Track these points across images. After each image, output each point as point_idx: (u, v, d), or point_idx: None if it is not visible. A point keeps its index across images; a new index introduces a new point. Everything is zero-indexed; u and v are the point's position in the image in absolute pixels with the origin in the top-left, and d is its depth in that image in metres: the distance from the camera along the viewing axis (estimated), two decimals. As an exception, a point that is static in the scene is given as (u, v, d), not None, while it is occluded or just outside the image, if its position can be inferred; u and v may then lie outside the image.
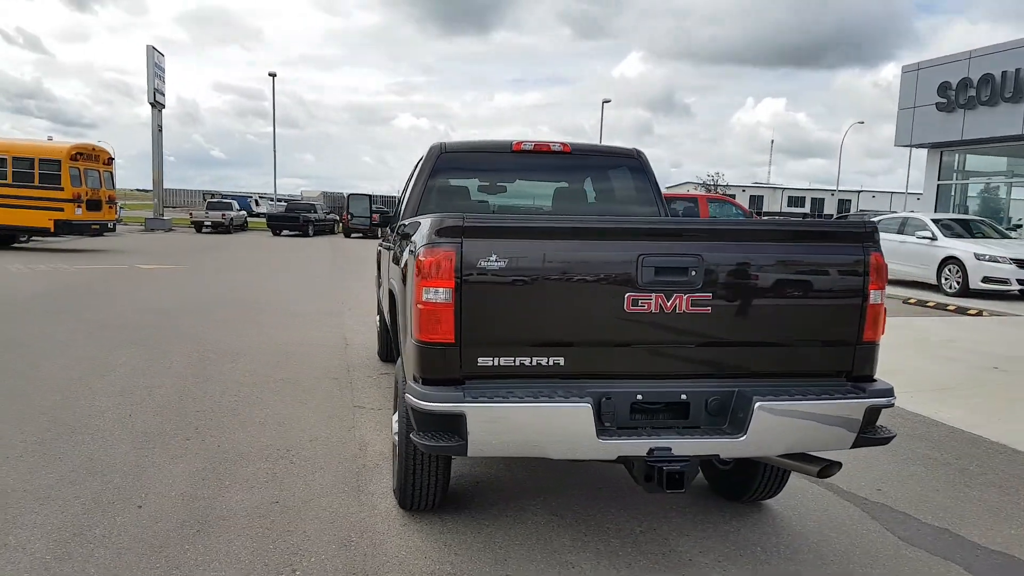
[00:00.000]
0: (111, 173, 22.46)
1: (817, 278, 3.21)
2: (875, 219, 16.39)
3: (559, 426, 2.98)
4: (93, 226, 21.35)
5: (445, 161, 5.14)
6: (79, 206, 20.37)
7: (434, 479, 3.65)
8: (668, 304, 3.04)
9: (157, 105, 37.53)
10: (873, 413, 3.18)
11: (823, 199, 79.72)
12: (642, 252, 3.03)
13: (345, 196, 42.25)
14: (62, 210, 20.00)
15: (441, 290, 2.94)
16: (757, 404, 3.04)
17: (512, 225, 3.06)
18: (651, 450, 3.03)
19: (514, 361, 3.05)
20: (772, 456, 3.29)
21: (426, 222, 3.08)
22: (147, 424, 5.14)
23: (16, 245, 21.66)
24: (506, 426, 2.97)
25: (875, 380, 3.31)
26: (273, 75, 45.53)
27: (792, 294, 3.19)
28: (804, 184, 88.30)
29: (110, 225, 22.23)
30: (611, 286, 3.03)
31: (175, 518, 3.67)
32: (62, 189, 20.05)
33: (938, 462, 4.89)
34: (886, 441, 3.26)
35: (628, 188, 5.37)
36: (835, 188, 68.91)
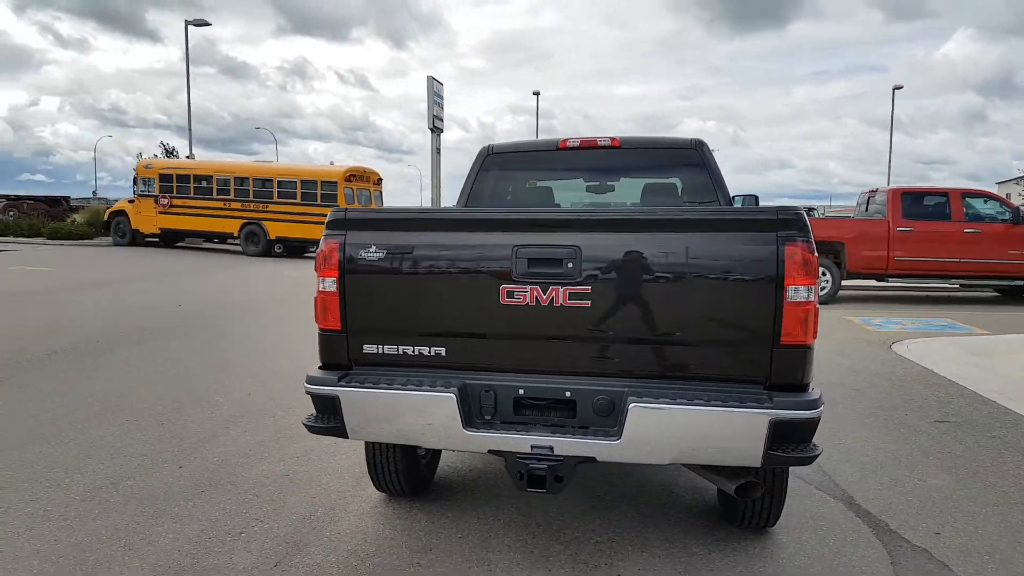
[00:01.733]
0: (380, 192, 25.23)
1: (719, 272, 2.85)
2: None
3: (424, 415, 3.01)
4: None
5: (492, 162, 5.22)
6: (352, 221, 23.19)
7: (394, 465, 3.81)
8: (544, 297, 2.94)
9: (436, 130, 40.72)
10: (785, 427, 2.78)
11: None
12: (516, 243, 2.96)
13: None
14: (338, 225, 22.88)
15: (329, 280, 3.13)
16: (631, 406, 2.82)
17: (390, 217, 3.18)
18: (532, 447, 2.95)
19: (397, 350, 3.14)
20: (673, 464, 3.01)
21: None
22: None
23: (306, 255, 25.15)
24: (374, 412, 3.07)
25: (806, 390, 2.88)
26: (537, 93, 48.60)
27: (689, 289, 2.88)
28: None
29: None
30: (487, 278, 3.00)
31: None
32: (338, 206, 22.94)
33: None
34: (808, 461, 2.83)
35: (683, 181, 5.07)
36: None
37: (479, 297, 3.02)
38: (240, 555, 3.34)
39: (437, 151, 41.32)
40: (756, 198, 6.26)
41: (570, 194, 5.69)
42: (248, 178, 24.30)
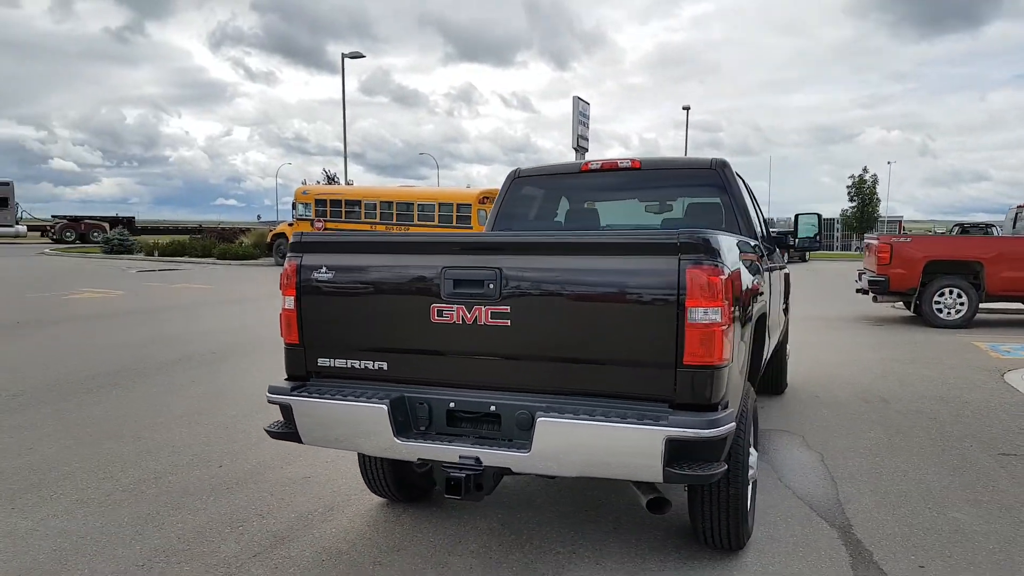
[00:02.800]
0: (514, 213, 25.90)
1: (625, 294, 2.94)
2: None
3: (360, 424, 3.26)
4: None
5: (518, 185, 5.43)
6: (484, 241, 24.15)
7: (382, 472, 4.08)
8: (469, 316, 3.13)
9: (580, 149, 40.88)
10: (681, 445, 2.81)
11: None
12: (445, 265, 3.17)
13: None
14: (472, 245, 23.88)
15: (289, 298, 3.48)
16: (539, 420, 2.94)
17: (337, 240, 3.50)
18: (460, 457, 3.13)
19: (347, 363, 3.43)
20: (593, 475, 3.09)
21: None
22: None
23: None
24: (319, 419, 3.36)
25: (715, 409, 2.89)
26: (687, 108, 48.65)
27: (598, 310, 2.99)
28: None
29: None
30: (419, 297, 3.22)
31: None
32: (471, 228, 23.78)
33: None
34: (708, 479, 2.84)
35: (701, 202, 5.05)
36: None
37: (413, 315, 3.24)
38: (228, 545, 3.73)
39: (580, 170, 41.82)
40: (818, 216, 6.06)
41: (623, 213, 5.77)
42: (392, 202, 25.76)
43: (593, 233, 4.10)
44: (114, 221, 51.85)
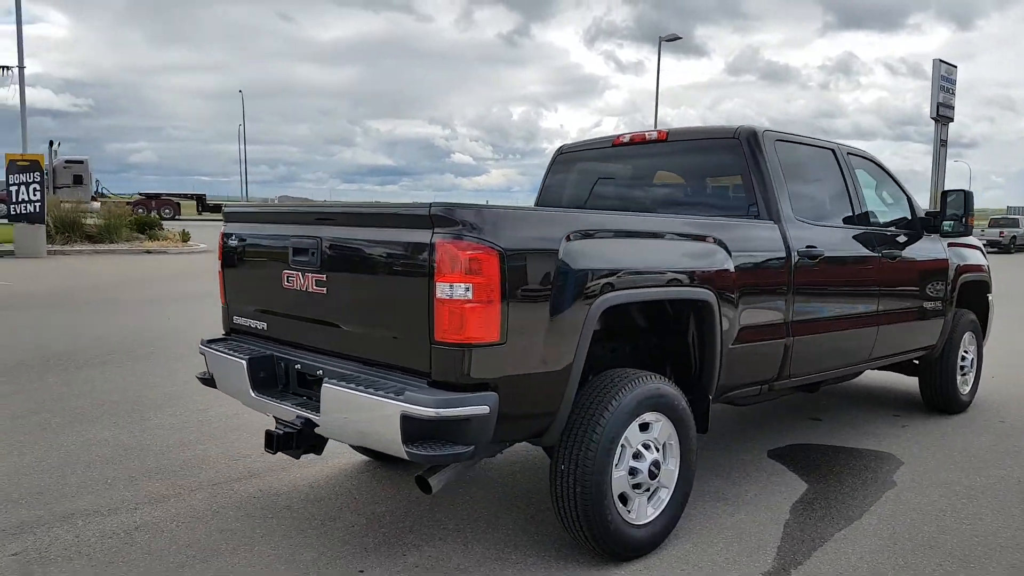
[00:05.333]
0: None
1: (388, 266, 3.06)
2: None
3: (233, 377, 3.61)
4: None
5: (561, 161, 5.44)
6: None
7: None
8: (303, 283, 3.37)
9: (942, 119, 35.67)
10: (417, 423, 2.73)
11: None
12: (291, 234, 3.44)
13: None
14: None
15: (218, 262, 4.01)
16: (323, 385, 3.07)
17: (235, 210, 3.97)
18: (297, 416, 3.29)
19: (246, 322, 3.85)
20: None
21: None
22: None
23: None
24: (215, 370, 3.80)
25: (473, 389, 2.79)
26: None
27: (373, 282, 3.14)
28: None
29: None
30: (279, 264, 3.50)
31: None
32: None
33: None
34: (446, 460, 2.82)
35: (720, 172, 4.66)
36: None
37: (275, 281, 3.53)
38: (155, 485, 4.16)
39: (942, 143, 36.88)
40: (964, 192, 5.37)
41: (645, 188, 5.46)
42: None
43: (362, 204, 3.93)
44: (189, 198, 55.03)
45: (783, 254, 4.13)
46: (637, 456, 3.33)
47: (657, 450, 3.42)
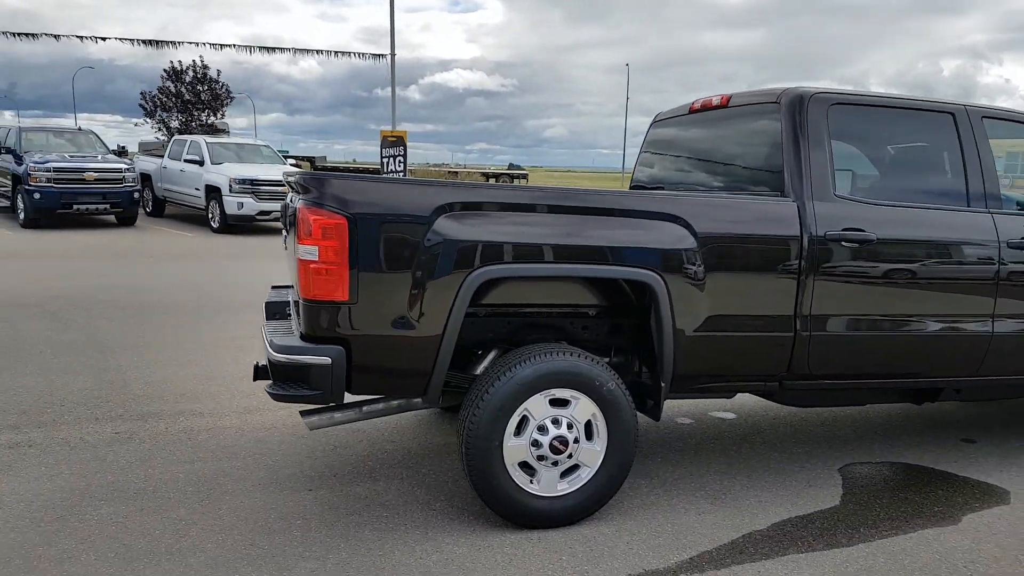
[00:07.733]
0: None
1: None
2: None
3: None
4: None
5: (656, 129, 5.29)
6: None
7: None
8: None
9: None
10: (278, 367, 3.25)
11: None
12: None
13: None
14: None
15: None
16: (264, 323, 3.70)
17: None
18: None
19: None
20: None
21: None
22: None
23: None
24: None
25: (320, 341, 3.20)
26: None
27: None
28: None
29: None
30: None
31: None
32: None
33: None
34: (292, 400, 3.24)
35: (761, 137, 4.16)
36: None
37: None
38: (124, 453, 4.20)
39: None
40: None
41: (702, 157, 5.13)
42: None
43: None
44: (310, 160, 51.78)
45: (791, 234, 3.64)
46: (542, 429, 3.35)
47: (571, 427, 3.38)
